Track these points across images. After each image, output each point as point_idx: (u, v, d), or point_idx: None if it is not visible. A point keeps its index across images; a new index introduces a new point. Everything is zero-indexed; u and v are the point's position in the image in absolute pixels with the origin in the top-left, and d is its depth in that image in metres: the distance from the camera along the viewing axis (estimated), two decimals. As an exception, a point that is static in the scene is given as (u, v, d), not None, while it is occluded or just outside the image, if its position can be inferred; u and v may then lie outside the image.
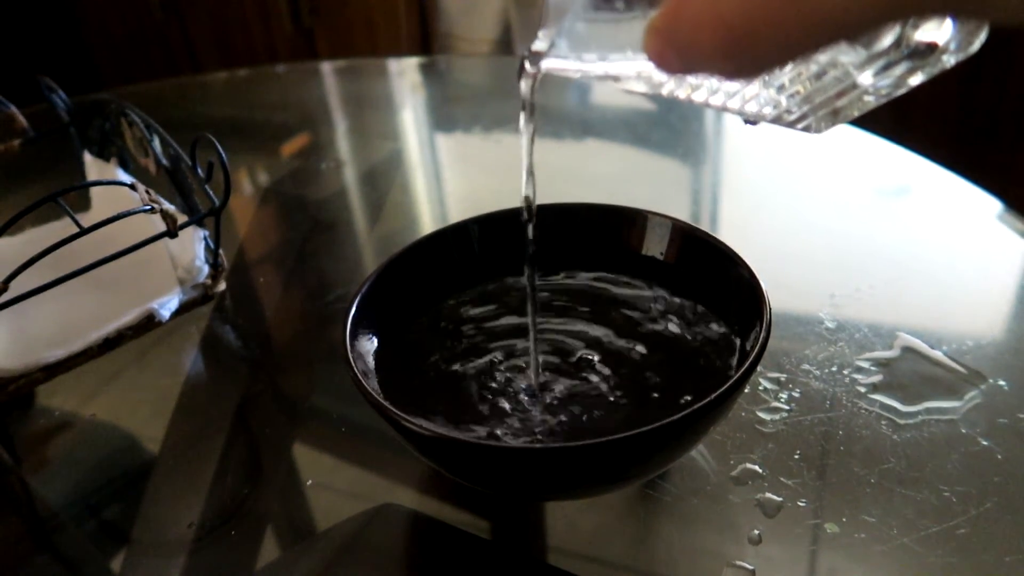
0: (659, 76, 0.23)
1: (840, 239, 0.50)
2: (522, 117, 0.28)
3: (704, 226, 0.35)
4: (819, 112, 0.21)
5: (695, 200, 0.58)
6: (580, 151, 0.66)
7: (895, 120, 1.20)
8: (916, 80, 0.19)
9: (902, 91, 0.20)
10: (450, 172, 0.65)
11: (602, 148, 0.67)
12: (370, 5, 1.56)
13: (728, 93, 0.22)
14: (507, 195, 0.58)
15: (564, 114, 0.74)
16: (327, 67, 0.93)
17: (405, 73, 0.90)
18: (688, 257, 0.36)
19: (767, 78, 0.21)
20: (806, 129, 0.22)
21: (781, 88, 0.21)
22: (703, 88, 0.23)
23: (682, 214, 0.38)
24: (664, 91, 0.23)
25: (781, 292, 0.43)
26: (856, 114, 0.21)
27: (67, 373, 0.39)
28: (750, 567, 0.29)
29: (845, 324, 0.41)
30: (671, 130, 0.68)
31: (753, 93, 0.22)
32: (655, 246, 0.37)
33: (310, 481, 0.35)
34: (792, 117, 0.21)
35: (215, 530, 0.33)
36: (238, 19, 1.66)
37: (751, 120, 0.23)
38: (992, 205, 0.51)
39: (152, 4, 1.70)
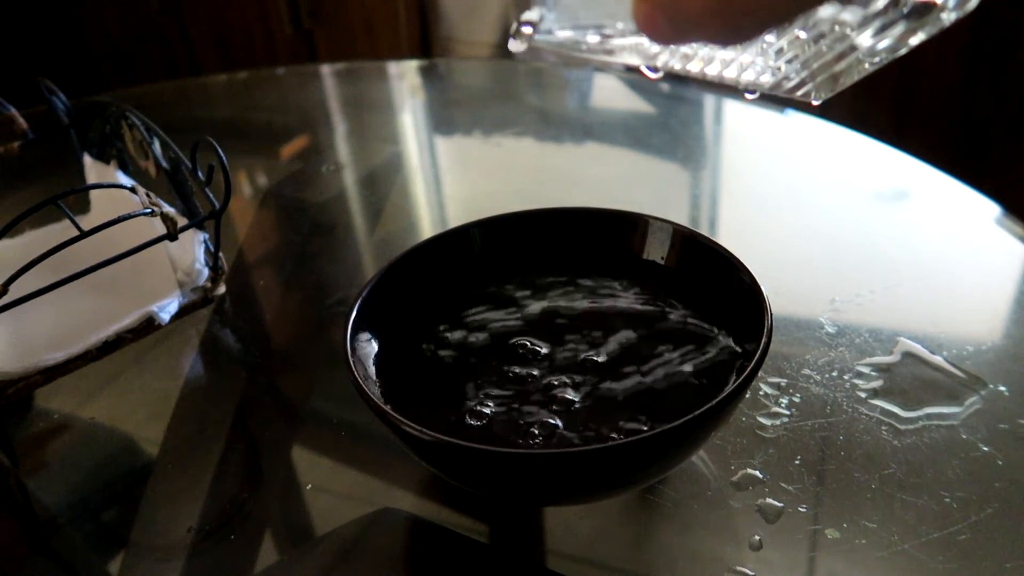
0: (652, 47, 0.22)
1: (840, 244, 0.50)
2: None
3: (704, 230, 0.36)
4: (818, 78, 0.20)
5: (695, 204, 0.58)
6: (580, 154, 0.66)
7: (894, 124, 1.20)
8: (916, 40, 0.19)
9: (902, 52, 0.19)
10: (450, 175, 0.65)
11: (602, 152, 0.67)
12: (370, 8, 1.56)
13: (724, 62, 0.22)
14: (507, 198, 0.58)
15: (564, 117, 0.74)
16: (327, 70, 0.93)
17: (405, 76, 0.90)
18: (689, 262, 0.36)
19: (764, 45, 0.20)
20: (805, 97, 0.21)
21: (779, 53, 0.20)
22: (697, 58, 0.22)
23: (682, 218, 0.38)
24: (658, 63, 0.23)
25: (781, 297, 0.43)
26: (856, 78, 0.20)
27: (66, 376, 0.39)
28: (751, 573, 0.29)
29: (845, 329, 0.41)
30: (671, 134, 0.68)
31: (749, 60, 0.21)
32: (655, 251, 0.37)
33: (309, 485, 0.35)
34: (791, 84, 0.21)
35: (214, 534, 0.33)
36: (238, 21, 1.66)
37: (749, 90, 0.22)
38: (991, 209, 0.51)
39: (152, 6, 1.70)
